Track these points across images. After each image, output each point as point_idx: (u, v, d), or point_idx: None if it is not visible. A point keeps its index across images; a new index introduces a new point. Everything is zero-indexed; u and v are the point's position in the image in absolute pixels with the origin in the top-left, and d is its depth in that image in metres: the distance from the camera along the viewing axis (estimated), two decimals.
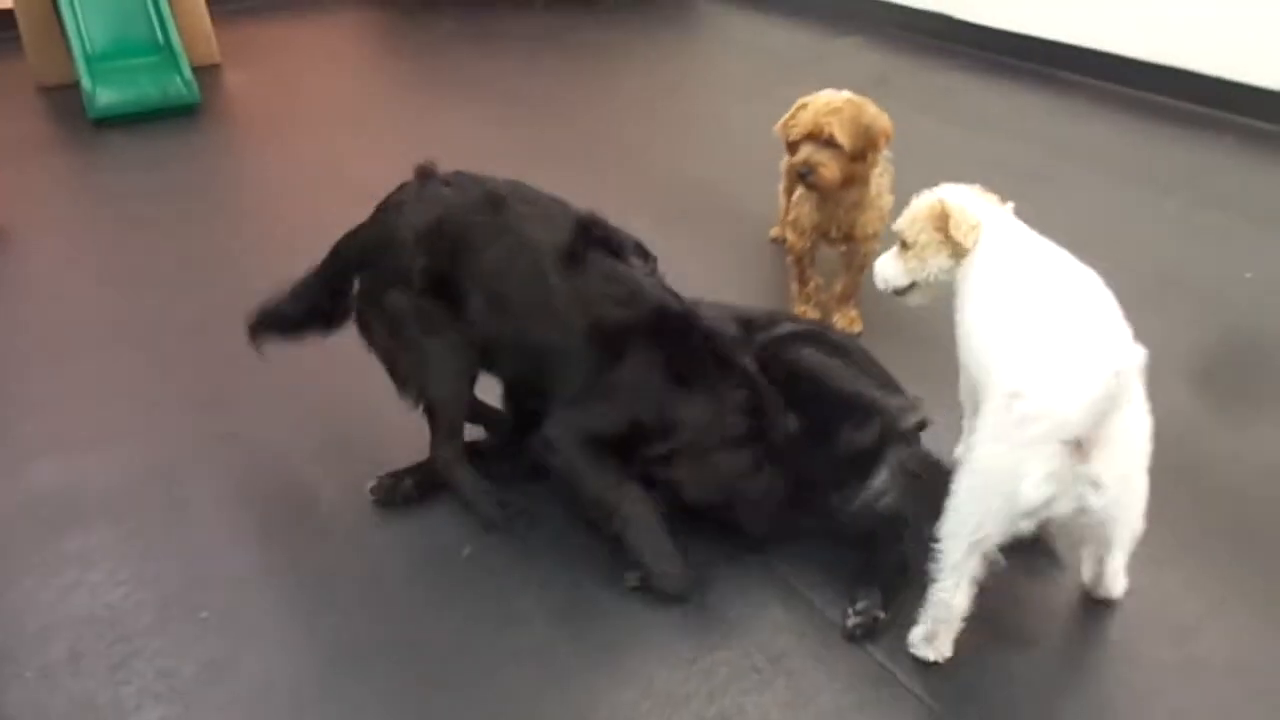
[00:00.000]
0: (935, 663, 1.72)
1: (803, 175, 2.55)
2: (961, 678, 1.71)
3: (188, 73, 4.67)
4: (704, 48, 5.76)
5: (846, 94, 2.57)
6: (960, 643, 1.73)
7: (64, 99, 4.80)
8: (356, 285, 2.09)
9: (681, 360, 1.89)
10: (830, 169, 2.52)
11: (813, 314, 2.77)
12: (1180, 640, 1.78)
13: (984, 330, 1.75)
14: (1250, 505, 2.09)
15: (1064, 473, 1.51)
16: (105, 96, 4.46)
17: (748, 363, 1.95)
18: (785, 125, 2.61)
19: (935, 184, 1.96)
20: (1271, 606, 1.84)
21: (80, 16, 4.74)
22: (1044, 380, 1.54)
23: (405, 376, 2.05)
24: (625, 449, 1.91)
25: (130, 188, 3.92)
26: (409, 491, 2.15)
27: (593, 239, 1.95)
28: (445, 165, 2.09)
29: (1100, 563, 1.77)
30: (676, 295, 2.00)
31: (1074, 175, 3.68)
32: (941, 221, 1.86)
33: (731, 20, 6.16)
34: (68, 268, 3.34)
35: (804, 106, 2.58)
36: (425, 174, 2.06)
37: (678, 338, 1.91)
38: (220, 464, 2.31)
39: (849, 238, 2.70)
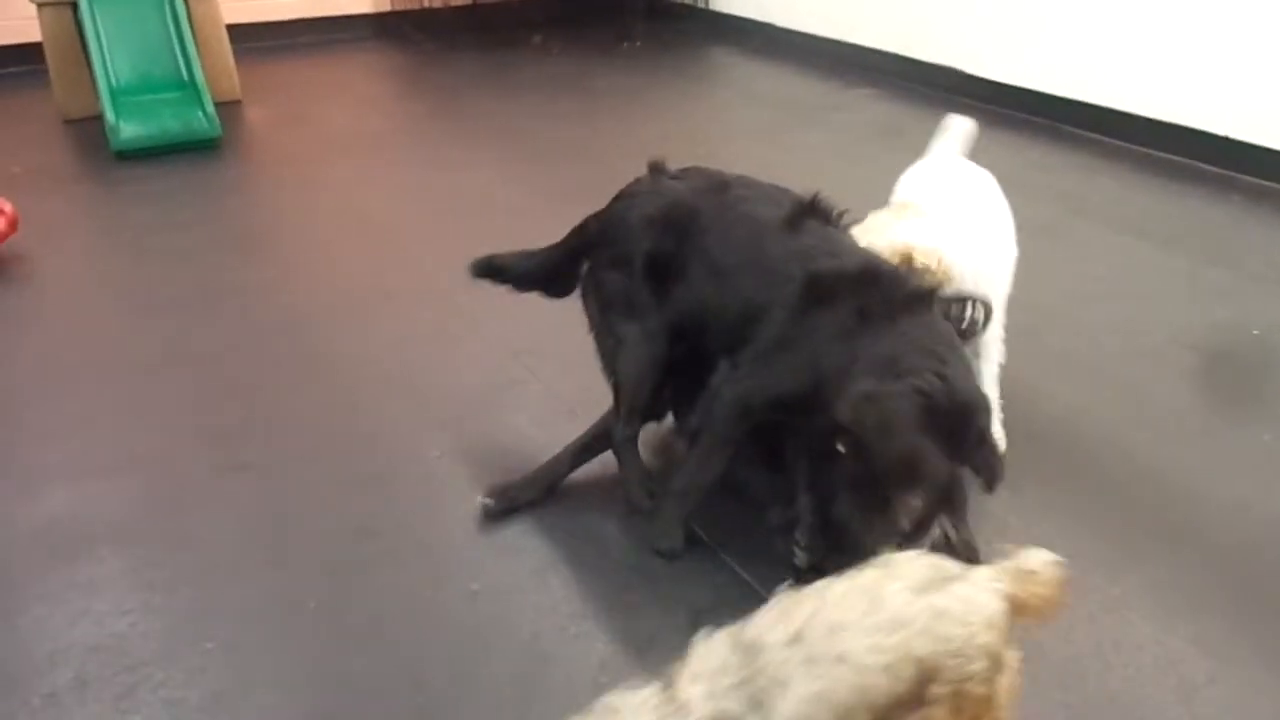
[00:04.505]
0: None
1: None
2: None
3: (210, 108, 4.75)
4: (719, 95, 5.84)
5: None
6: None
7: (87, 131, 4.88)
8: (587, 264, 2.25)
9: (875, 304, 1.90)
10: None
11: None
12: (1187, 697, 1.78)
13: None
14: (1258, 559, 2.08)
15: None
16: (129, 130, 4.54)
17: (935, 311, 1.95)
18: None
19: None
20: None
21: (107, 52, 4.83)
22: None
23: (603, 353, 2.24)
24: (789, 411, 1.95)
25: (150, 218, 3.98)
26: (528, 496, 2.24)
27: (811, 211, 2.05)
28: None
29: None
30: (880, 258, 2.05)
31: (1083, 230, 3.71)
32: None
33: (746, 69, 6.25)
34: (86, 296, 3.38)
35: None
36: (657, 169, 2.24)
37: (877, 285, 1.93)
38: (231, 495, 2.33)
39: None
